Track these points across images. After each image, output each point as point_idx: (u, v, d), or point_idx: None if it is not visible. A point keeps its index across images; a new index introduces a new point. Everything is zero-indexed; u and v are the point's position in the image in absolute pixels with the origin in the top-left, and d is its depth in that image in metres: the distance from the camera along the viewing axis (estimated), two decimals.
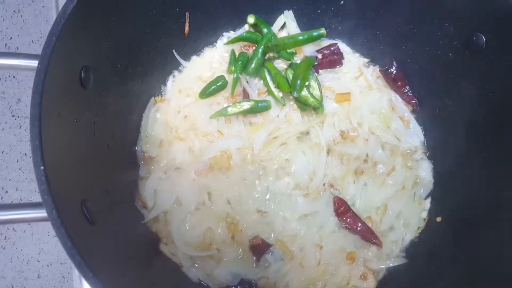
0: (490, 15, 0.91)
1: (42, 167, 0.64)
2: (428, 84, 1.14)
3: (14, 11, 1.59)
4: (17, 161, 1.49)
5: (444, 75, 1.08)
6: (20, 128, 1.47)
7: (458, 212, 1.04)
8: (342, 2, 1.17)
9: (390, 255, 1.08)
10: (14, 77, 1.48)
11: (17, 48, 1.46)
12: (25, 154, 1.48)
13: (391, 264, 1.07)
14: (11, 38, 1.59)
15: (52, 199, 0.64)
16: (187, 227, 1.05)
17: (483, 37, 0.94)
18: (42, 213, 0.70)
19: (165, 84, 1.20)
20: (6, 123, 1.43)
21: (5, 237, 1.40)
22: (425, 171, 1.14)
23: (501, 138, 0.95)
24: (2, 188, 1.45)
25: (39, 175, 0.64)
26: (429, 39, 1.07)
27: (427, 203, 1.13)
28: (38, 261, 1.42)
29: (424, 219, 1.12)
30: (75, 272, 1.01)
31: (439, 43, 1.05)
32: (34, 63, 0.76)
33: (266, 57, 1.19)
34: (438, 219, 1.08)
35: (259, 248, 1.04)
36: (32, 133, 0.66)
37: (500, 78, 0.93)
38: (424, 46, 1.10)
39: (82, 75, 0.82)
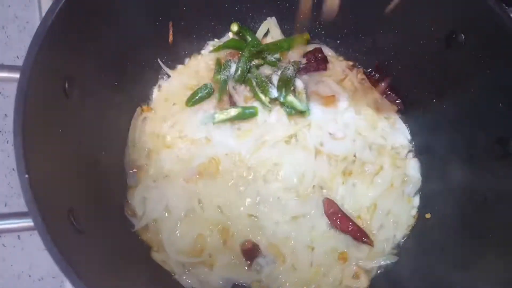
0: (467, 13, 0.93)
1: (27, 176, 0.65)
2: (411, 84, 1.16)
3: None
4: (6, 176, 1.48)
5: (426, 74, 1.10)
6: (7, 143, 1.46)
7: (446, 207, 1.05)
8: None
9: (381, 253, 1.09)
10: (0, 92, 1.48)
11: (2, 63, 1.46)
12: (13, 169, 1.46)
13: (382, 262, 1.07)
14: None
15: (38, 206, 0.64)
16: (178, 235, 1.05)
17: (462, 35, 0.96)
18: (28, 222, 0.70)
19: (151, 93, 1.20)
20: None
21: None
22: (413, 169, 1.16)
23: (484, 133, 0.96)
24: None
25: (24, 184, 0.64)
26: (410, 39, 1.09)
27: (416, 200, 1.14)
28: (30, 276, 1.40)
29: (414, 216, 1.12)
30: (67, 286, 1.00)
31: (421, 42, 1.07)
32: (17, 74, 0.76)
33: (251, 64, 1.20)
34: (427, 215, 1.09)
35: (251, 252, 1.04)
36: (16, 142, 0.66)
37: (481, 74, 0.94)
38: (406, 46, 1.12)
39: (66, 85, 0.83)
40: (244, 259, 1.05)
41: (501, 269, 0.84)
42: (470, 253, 0.92)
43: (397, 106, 1.22)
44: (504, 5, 0.88)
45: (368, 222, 1.09)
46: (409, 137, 1.20)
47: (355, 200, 1.10)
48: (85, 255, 0.73)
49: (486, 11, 0.88)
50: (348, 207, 1.10)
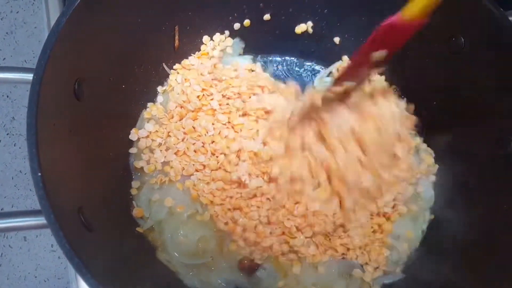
0: (466, 16, 0.95)
1: (40, 174, 0.66)
2: (412, 87, 1.18)
3: (7, 33, 1.63)
4: (12, 178, 1.50)
5: (426, 78, 1.12)
6: (14, 146, 1.48)
7: (455, 219, 1.05)
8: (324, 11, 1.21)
9: (387, 271, 1.05)
10: (7, 96, 1.50)
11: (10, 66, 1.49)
12: (20, 171, 1.48)
13: (386, 281, 1.05)
14: (4, 58, 1.63)
15: (50, 204, 0.65)
16: (181, 236, 1.05)
17: (462, 38, 0.98)
18: (39, 220, 0.71)
19: (156, 96, 1.21)
20: (0, 141, 1.45)
21: (1, 254, 1.40)
22: (424, 186, 1.13)
23: (486, 133, 0.98)
24: None
25: (37, 181, 0.66)
26: (410, 43, 1.10)
27: (427, 215, 1.11)
28: (35, 277, 1.41)
29: (423, 231, 1.10)
30: (73, 287, 1.01)
31: (420, 46, 1.08)
32: (29, 76, 0.79)
33: None
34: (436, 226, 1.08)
35: (249, 268, 1.03)
36: (29, 142, 0.68)
37: (481, 76, 0.97)
38: (405, 51, 1.13)
39: (76, 87, 0.85)
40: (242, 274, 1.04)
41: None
42: (480, 265, 0.93)
43: None
44: (501, 8, 0.90)
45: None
46: None
47: None
48: (95, 253, 0.75)
49: (484, 14, 0.90)
50: None
